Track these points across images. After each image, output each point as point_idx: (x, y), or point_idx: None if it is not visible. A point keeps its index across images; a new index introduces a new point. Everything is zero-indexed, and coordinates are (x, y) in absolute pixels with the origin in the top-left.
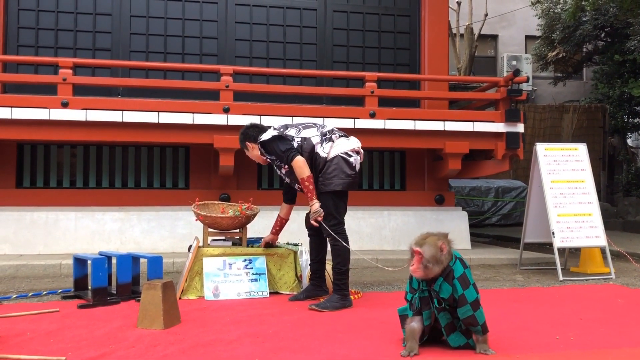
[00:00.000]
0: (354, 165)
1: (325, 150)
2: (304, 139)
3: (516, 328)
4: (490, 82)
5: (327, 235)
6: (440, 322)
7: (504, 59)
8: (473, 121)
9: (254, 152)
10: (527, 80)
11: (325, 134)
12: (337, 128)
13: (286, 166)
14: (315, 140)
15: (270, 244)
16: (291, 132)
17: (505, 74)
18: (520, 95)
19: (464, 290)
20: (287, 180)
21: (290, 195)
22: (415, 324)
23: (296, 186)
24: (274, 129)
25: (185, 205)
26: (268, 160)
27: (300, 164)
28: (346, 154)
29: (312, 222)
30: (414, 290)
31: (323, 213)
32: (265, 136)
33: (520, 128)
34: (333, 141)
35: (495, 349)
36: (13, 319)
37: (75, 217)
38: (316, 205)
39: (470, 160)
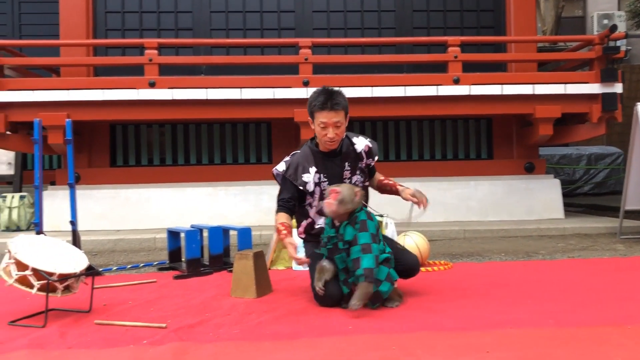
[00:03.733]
0: None
1: None
2: None
3: (622, 298)
4: (584, 40)
5: None
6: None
7: (594, 19)
8: (565, 83)
9: (342, 128)
10: (626, 37)
11: None
12: None
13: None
14: None
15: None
16: None
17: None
18: (618, 53)
19: (357, 232)
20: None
21: None
22: (325, 263)
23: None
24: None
25: (269, 180)
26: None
27: None
28: None
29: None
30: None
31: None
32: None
33: (618, 88)
34: None
35: (601, 318)
36: (115, 289)
37: (166, 193)
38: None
39: (562, 125)
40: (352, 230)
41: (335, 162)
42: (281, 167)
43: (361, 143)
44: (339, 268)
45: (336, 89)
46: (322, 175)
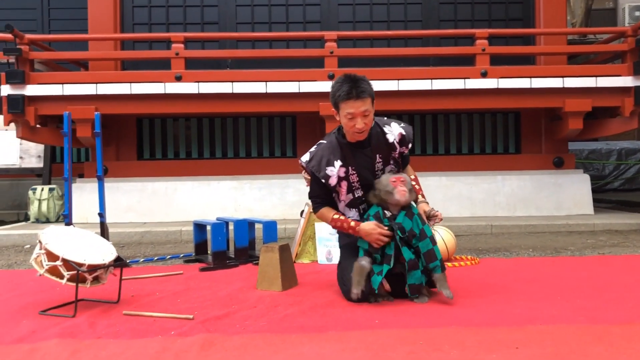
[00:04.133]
0: None
1: None
2: None
3: None
4: (616, 32)
5: None
6: (405, 257)
7: (626, 10)
8: (596, 76)
9: (370, 116)
10: None
11: None
12: None
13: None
14: None
15: None
16: None
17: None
18: None
19: (423, 225)
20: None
21: None
22: (364, 262)
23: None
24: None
25: (294, 174)
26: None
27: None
28: None
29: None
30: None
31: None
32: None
33: None
34: None
35: (635, 315)
36: (143, 281)
37: (192, 186)
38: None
39: (592, 119)
40: (410, 222)
41: (365, 152)
42: (305, 157)
43: (394, 131)
44: (386, 254)
45: (359, 75)
46: (350, 167)
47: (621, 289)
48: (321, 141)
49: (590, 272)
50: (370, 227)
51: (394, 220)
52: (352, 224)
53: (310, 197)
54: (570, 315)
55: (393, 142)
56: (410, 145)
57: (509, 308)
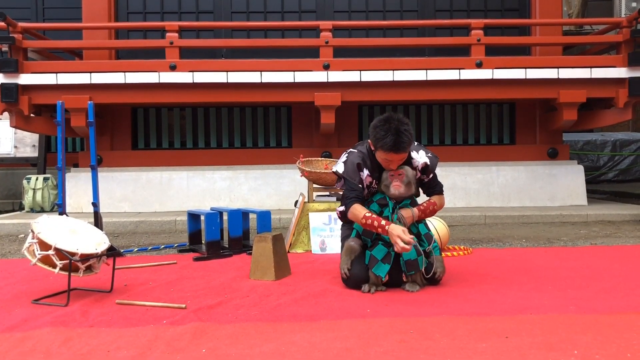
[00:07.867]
0: None
1: None
2: None
3: None
4: (611, 23)
5: None
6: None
7: (622, 1)
8: (590, 67)
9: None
10: None
11: None
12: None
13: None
14: None
15: None
16: None
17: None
18: None
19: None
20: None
21: None
22: (353, 243)
23: None
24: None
25: (289, 164)
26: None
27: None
28: None
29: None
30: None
31: None
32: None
33: None
34: None
35: (624, 305)
36: (137, 270)
37: (187, 176)
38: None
39: (586, 110)
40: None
41: None
42: (340, 168)
43: (420, 159)
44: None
45: (402, 123)
46: (374, 180)
47: (612, 279)
48: (351, 150)
49: (582, 262)
50: (398, 231)
51: (398, 204)
52: (383, 222)
53: (343, 198)
54: (560, 304)
55: (416, 167)
56: (431, 176)
57: (500, 298)
